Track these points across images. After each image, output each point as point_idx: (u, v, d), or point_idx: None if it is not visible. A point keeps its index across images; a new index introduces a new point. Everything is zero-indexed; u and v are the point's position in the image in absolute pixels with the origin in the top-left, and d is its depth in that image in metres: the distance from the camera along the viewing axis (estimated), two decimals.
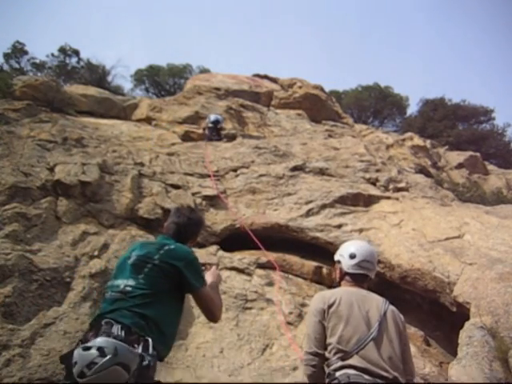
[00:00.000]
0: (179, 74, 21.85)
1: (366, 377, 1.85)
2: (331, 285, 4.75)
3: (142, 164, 6.37)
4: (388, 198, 6.55)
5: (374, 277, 2.32)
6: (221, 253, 5.04)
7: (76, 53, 18.29)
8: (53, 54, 17.94)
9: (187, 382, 3.25)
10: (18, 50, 16.71)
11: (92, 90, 11.04)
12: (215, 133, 8.99)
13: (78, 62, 18.35)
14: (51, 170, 5.14)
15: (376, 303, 2.11)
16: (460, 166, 13.40)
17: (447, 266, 4.30)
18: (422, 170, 10.07)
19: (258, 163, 7.29)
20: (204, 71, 20.21)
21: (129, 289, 1.86)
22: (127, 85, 33.26)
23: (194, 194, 6.00)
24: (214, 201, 6.06)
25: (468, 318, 3.63)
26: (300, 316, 4.18)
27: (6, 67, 15.72)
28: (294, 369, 3.48)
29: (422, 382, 3.32)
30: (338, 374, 1.91)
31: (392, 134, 15.48)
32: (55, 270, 3.71)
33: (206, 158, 7.37)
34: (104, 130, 8.06)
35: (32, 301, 3.37)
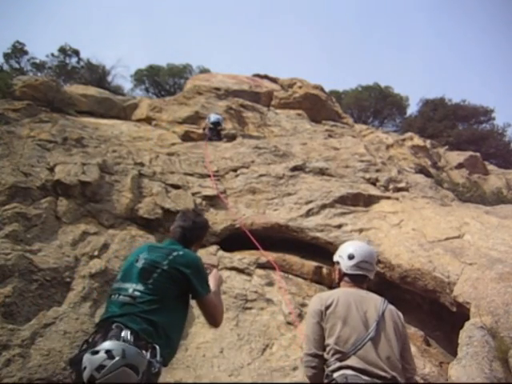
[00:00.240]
0: (179, 74, 21.86)
1: (364, 377, 1.85)
2: (331, 285, 4.74)
3: (142, 164, 6.37)
4: (388, 198, 6.55)
5: (373, 277, 2.31)
6: (221, 253, 5.04)
7: (76, 53, 18.30)
8: (53, 54, 17.95)
9: (187, 381, 3.25)
10: (17, 50, 16.72)
11: (92, 90, 11.04)
12: (215, 133, 8.99)
13: (78, 62, 18.36)
14: (51, 170, 5.14)
15: (374, 303, 2.11)
16: (460, 166, 13.41)
17: (447, 266, 4.30)
18: (422, 170, 10.07)
19: (258, 163, 7.29)
20: (204, 71, 20.22)
21: (137, 293, 1.88)
22: (127, 85, 33.26)
23: (194, 194, 6.00)
24: (214, 201, 6.06)
25: (468, 318, 3.63)
26: (300, 316, 4.18)
27: (6, 67, 15.71)
28: (294, 369, 3.48)
29: (422, 382, 3.32)
30: (335, 374, 1.91)
31: (392, 134, 15.49)
32: (55, 270, 3.71)
33: (206, 157, 7.37)
34: (104, 130, 8.06)
35: (32, 301, 3.37)
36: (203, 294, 2.02)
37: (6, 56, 16.49)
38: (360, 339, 1.94)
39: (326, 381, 1.97)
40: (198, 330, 3.82)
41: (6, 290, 3.27)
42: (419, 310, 4.74)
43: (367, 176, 7.36)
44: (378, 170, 7.71)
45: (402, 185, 7.37)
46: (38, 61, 17.35)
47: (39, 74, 15.71)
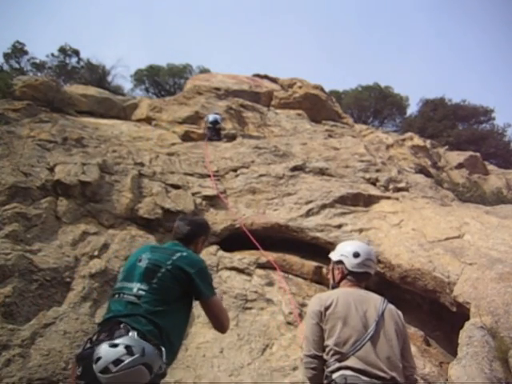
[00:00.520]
0: (179, 74, 21.87)
1: (364, 378, 1.85)
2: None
3: (142, 164, 6.37)
4: (388, 198, 6.55)
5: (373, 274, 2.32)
6: (221, 253, 5.04)
7: (76, 53, 18.32)
8: (53, 54, 17.98)
9: (187, 381, 3.25)
10: (18, 50, 16.73)
11: (92, 90, 11.04)
12: (214, 133, 8.99)
13: (78, 62, 18.39)
14: (51, 170, 5.14)
15: (374, 303, 2.10)
16: (460, 166, 13.41)
17: (447, 266, 4.30)
18: (422, 170, 10.07)
19: (258, 163, 7.29)
20: (204, 71, 20.23)
21: (142, 293, 1.87)
22: (127, 85, 33.31)
23: (194, 194, 6.00)
24: (214, 201, 6.06)
25: (468, 318, 3.63)
26: (300, 316, 4.18)
27: (6, 67, 15.74)
28: (294, 369, 3.48)
29: (422, 381, 3.32)
30: (335, 375, 1.91)
31: (392, 134, 15.49)
32: (55, 270, 3.71)
33: (206, 157, 7.37)
34: (104, 130, 8.07)
35: (32, 301, 3.37)
36: (208, 294, 2.01)
37: (6, 56, 16.51)
38: (359, 339, 1.94)
39: (325, 382, 1.96)
40: (198, 330, 3.82)
41: (5, 289, 3.27)
42: (419, 309, 4.74)
43: (367, 176, 7.36)
44: (377, 170, 7.71)
45: (402, 185, 7.37)
46: (38, 61, 17.39)
47: (39, 74, 15.72)
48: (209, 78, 13.75)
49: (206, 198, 6.03)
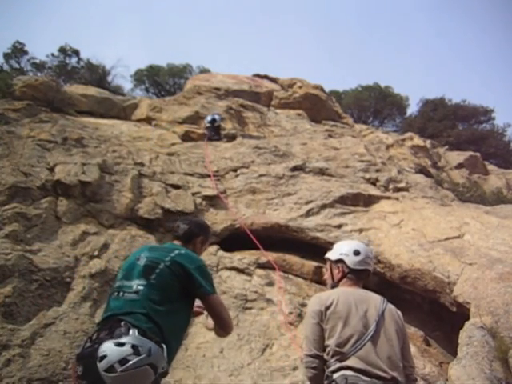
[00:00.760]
0: (179, 74, 21.85)
1: (364, 378, 1.85)
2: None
3: (142, 164, 6.37)
4: (388, 197, 6.55)
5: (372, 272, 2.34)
6: (221, 253, 5.04)
7: (76, 53, 18.29)
8: (53, 54, 17.95)
9: (187, 382, 3.25)
10: (17, 50, 16.71)
11: (92, 90, 11.03)
12: (214, 132, 8.97)
13: (78, 62, 18.35)
14: (51, 170, 5.14)
15: (374, 302, 2.11)
16: (460, 166, 13.40)
17: (447, 266, 4.30)
18: (422, 170, 10.06)
19: (258, 163, 7.29)
20: (204, 71, 20.20)
21: (141, 288, 1.87)
22: (127, 85, 33.22)
23: (194, 194, 6.00)
24: (214, 201, 6.06)
25: (468, 318, 3.63)
26: (300, 316, 4.18)
27: (6, 67, 15.71)
28: (294, 369, 3.48)
29: (422, 382, 3.32)
30: (335, 375, 1.91)
31: (392, 134, 15.48)
32: (55, 270, 3.71)
33: (206, 157, 7.37)
34: (104, 130, 8.06)
35: (32, 301, 3.37)
36: (209, 291, 1.99)
37: (6, 56, 16.48)
38: (360, 339, 1.94)
39: (326, 382, 1.96)
40: (198, 330, 3.82)
41: (5, 289, 3.27)
42: (419, 309, 4.75)
43: (367, 176, 7.36)
44: (378, 170, 7.71)
45: (402, 185, 7.37)
46: (38, 61, 17.35)
47: (39, 74, 15.70)
48: (209, 78, 13.74)
49: (206, 198, 6.03)
